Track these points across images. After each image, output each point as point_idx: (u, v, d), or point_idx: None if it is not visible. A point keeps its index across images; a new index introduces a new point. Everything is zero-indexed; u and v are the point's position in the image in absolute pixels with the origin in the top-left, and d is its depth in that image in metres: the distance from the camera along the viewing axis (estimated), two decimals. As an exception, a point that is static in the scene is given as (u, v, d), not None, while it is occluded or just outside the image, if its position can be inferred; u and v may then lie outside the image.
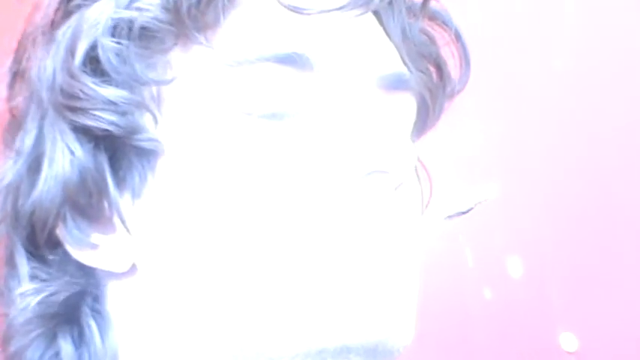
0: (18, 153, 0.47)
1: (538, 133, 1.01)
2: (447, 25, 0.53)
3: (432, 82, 0.53)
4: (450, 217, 0.76)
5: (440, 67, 0.54)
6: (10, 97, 0.49)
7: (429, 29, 0.53)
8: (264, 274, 0.44)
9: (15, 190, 0.47)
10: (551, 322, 1.05)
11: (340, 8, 0.45)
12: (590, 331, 1.04)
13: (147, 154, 0.46)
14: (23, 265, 0.47)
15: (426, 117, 0.54)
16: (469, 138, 1.01)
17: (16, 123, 0.48)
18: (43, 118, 0.46)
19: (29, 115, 0.47)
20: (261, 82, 0.45)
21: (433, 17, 0.52)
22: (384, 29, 0.50)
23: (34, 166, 0.46)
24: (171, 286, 0.46)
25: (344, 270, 0.44)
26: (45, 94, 0.45)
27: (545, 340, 1.04)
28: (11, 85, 0.50)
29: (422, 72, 0.51)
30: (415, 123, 0.51)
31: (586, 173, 1.01)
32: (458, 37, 0.53)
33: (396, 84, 0.49)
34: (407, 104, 0.50)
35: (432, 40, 0.53)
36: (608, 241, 1.04)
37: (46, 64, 0.46)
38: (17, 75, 0.49)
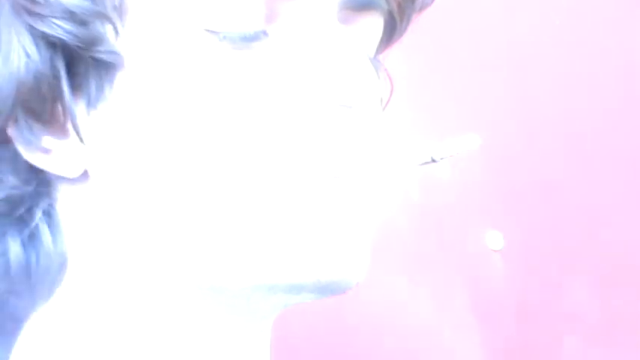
0: None
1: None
2: None
3: None
4: (425, 163, 0.74)
5: None
6: None
7: None
8: (216, 202, 0.43)
9: None
10: (475, 220, 1.08)
11: None
12: (517, 229, 1.06)
13: (106, 66, 0.44)
14: None
15: (392, 33, 0.51)
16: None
17: None
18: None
19: None
20: (229, 1, 0.43)
21: None
22: None
23: None
24: (122, 201, 0.45)
25: (299, 205, 0.43)
26: None
27: (469, 238, 1.08)
28: None
29: None
30: (380, 39, 0.50)
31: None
32: None
33: (363, 3, 0.47)
34: (374, 23, 0.48)
35: None
36: (536, 128, 1.06)
37: None
38: None
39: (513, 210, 1.09)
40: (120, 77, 0.44)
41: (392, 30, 0.50)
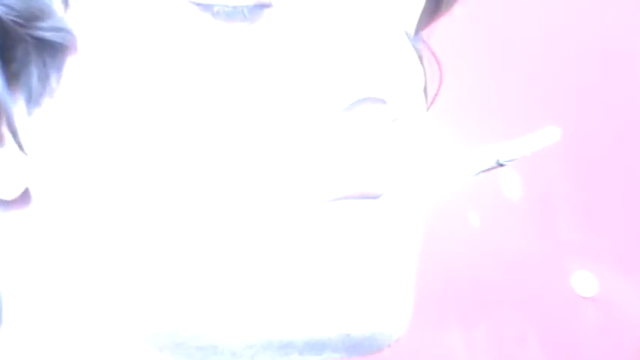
0: None
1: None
2: None
3: None
4: (488, 169, 0.67)
5: None
6: None
7: None
8: (204, 233, 0.41)
9: None
10: (560, 258, 1.02)
11: None
12: (611, 270, 1.01)
13: (51, 49, 0.42)
14: None
15: (439, 1, 0.49)
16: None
17: None
18: None
19: None
20: None
21: None
22: None
23: None
24: (76, 231, 0.43)
25: (317, 238, 0.41)
26: None
27: (553, 280, 1.02)
28: None
29: None
30: (424, 9, 0.47)
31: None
32: None
33: None
34: None
35: None
36: (630, 152, 1.04)
37: None
38: None
39: (609, 246, 1.02)
40: (71, 63, 0.42)
41: (438, 1, 0.49)
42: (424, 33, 0.50)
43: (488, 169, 0.80)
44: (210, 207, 0.41)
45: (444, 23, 0.50)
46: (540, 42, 1.07)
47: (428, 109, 0.49)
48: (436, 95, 0.51)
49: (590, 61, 1.07)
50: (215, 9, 0.41)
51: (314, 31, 0.43)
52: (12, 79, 0.42)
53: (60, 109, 0.43)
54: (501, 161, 0.79)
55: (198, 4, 0.41)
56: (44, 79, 0.42)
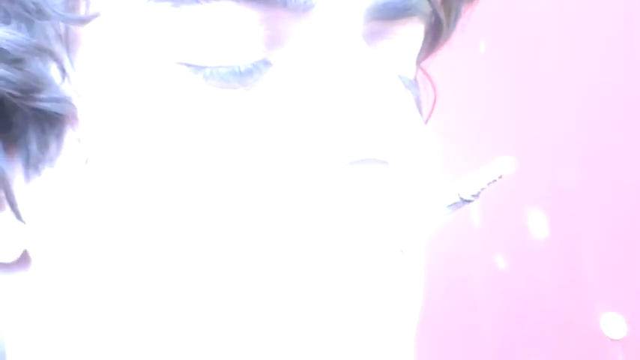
0: None
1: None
2: None
3: None
4: (454, 205, 0.64)
5: None
6: None
7: None
8: (208, 297, 0.40)
9: None
10: (588, 300, 1.01)
11: None
12: None
13: (50, 118, 0.41)
14: None
15: (437, 37, 0.48)
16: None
17: None
18: None
19: None
20: (215, 26, 0.40)
21: None
22: None
23: None
24: (76, 297, 0.42)
25: (321, 296, 0.40)
26: None
27: (581, 323, 1.01)
28: None
29: None
30: (422, 46, 0.47)
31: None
32: None
33: (397, 9, 0.44)
34: (413, 32, 0.45)
35: None
36: None
37: None
38: None
39: (638, 287, 1.02)
40: (70, 132, 0.41)
41: (436, 34, 0.48)
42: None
43: (455, 205, 0.80)
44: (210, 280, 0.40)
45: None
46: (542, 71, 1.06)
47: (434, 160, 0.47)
48: (428, 118, 0.50)
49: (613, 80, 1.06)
50: (207, 71, 0.40)
51: (311, 90, 0.42)
52: (11, 146, 0.42)
53: (59, 177, 0.42)
54: (463, 196, 0.77)
55: (188, 65, 0.40)
56: (43, 147, 0.42)
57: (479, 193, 0.76)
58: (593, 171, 1.03)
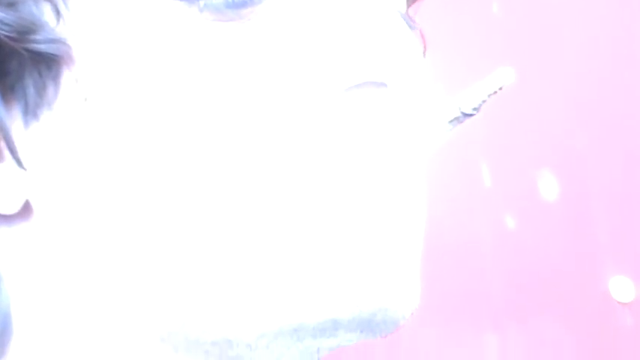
0: None
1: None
2: None
3: None
4: (455, 119, 0.63)
5: None
6: None
7: None
8: (210, 229, 0.40)
9: None
10: (596, 263, 1.01)
11: None
12: None
13: (46, 60, 0.41)
14: None
15: None
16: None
17: None
18: None
19: None
20: None
21: None
22: None
23: None
24: (80, 243, 0.42)
25: (321, 219, 0.40)
26: None
27: (590, 286, 1.01)
28: None
29: None
30: None
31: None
32: None
33: None
34: None
35: None
36: None
37: None
38: None
39: None
40: (67, 73, 0.41)
41: None
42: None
43: (457, 120, 0.75)
44: (211, 207, 0.40)
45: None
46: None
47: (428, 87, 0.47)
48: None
49: (621, 62, 1.06)
50: (201, 3, 0.40)
51: (305, 18, 0.42)
52: (8, 93, 0.42)
53: (59, 121, 0.42)
54: (464, 110, 0.74)
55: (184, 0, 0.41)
56: (41, 90, 0.41)
57: (480, 106, 0.78)
58: (603, 132, 1.03)
